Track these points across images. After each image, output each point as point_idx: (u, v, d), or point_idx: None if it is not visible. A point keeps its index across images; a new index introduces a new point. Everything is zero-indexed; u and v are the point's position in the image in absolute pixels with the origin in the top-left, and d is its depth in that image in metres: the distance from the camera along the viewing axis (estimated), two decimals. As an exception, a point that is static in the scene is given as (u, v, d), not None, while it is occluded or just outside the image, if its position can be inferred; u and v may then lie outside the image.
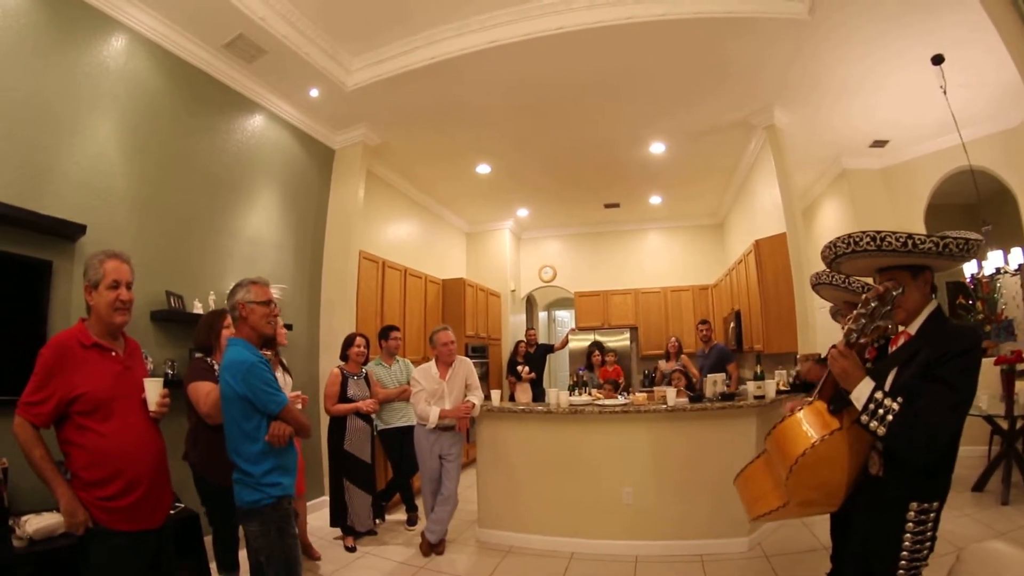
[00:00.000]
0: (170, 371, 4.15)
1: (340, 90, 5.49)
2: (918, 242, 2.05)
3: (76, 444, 2.25)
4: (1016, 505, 4.66)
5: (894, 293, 1.99)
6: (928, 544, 2.09)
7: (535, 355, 9.06)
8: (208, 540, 3.72)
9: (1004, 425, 5.00)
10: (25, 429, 2.19)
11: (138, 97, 4.30)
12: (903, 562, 2.08)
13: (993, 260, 6.06)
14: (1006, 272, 6.23)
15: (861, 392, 2.07)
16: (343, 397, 4.83)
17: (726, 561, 4.24)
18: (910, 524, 2.07)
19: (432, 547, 4.69)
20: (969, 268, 6.36)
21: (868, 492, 2.29)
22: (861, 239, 2.15)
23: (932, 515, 2.08)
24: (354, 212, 6.29)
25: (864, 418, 2.05)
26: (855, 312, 2.05)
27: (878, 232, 2.11)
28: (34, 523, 2.87)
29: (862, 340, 2.12)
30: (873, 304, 1.99)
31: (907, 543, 2.07)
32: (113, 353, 2.41)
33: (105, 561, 2.27)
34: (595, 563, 4.42)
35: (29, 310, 3.37)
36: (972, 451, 5.97)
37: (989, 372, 5.33)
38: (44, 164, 3.61)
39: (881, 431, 2.01)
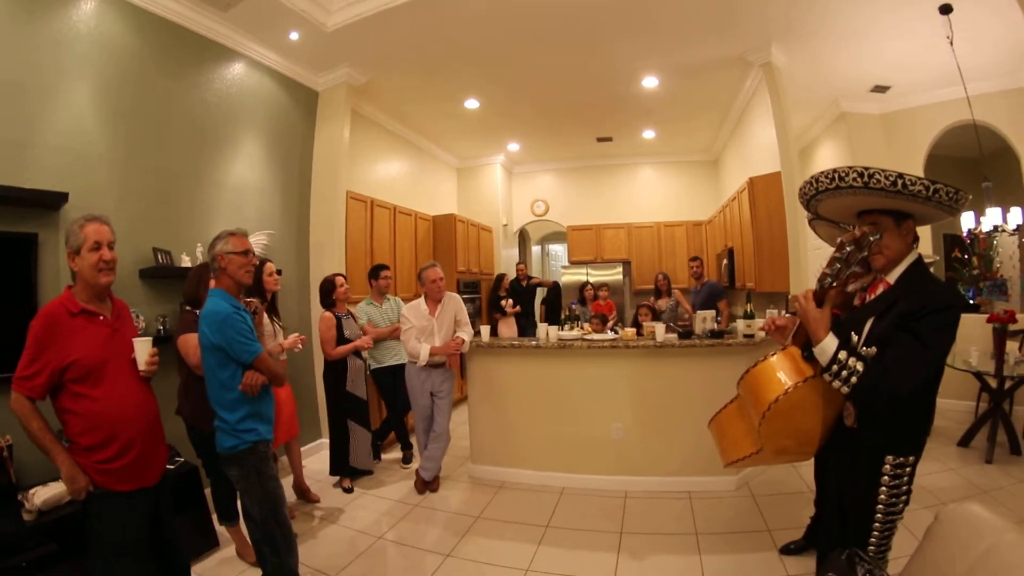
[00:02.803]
0: (161, 327, 4.16)
1: (321, 31, 5.25)
2: (908, 183, 1.96)
3: (72, 411, 2.28)
4: (999, 464, 4.72)
5: (871, 238, 1.92)
6: (904, 498, 2.12)
7: (526, 288, 9.08)
8: (208, 492, 3.83)
9: (993, 383, 5.02)
10: (22, 403, 2.22)
11: (113, 58, 4.14)
12: (879, 515, 2.12)
13: (992, 217, 5.99)
14: (1004, 231, 6.18)
15: (823, 351, 2.05)
16: (341, 339, 4.79)
17: (713, 499, 4.36)
18: (885, 478, 2.10)
19: (426, 484, 4.80)
20: (967, 222, 6.30)
21: (843, 443, 2.30)
22: (847, 174, 2.05)
23: (908, 469, 2.10)
24: (340, 153, 6.15)
25: (827, 377, 2.05)
26: (830, 256, 2.00)
27: (866, 168, 2.02)
28: (41, 494, 2.95)
29: (836, 285, 2.08)
30: (848, 248, 1.93)
31: (882, 496, 2.10)
32: (101, 317, 2.42)
33: (107, 522, 2.35)
34: (585, 498, 4.55)
35: (18, 284, 3.36)
36: (959, 405, 6.11)
37: (981, 329, 5.38)
38: (22, 138, 3.52)
39: (845, 390, 2.01)
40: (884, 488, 2.10)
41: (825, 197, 2.26)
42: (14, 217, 3.36)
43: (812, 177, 2.23)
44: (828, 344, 2.04)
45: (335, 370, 4.85)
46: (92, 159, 3.92)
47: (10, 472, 3.06)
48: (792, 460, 2.64)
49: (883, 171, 1.99)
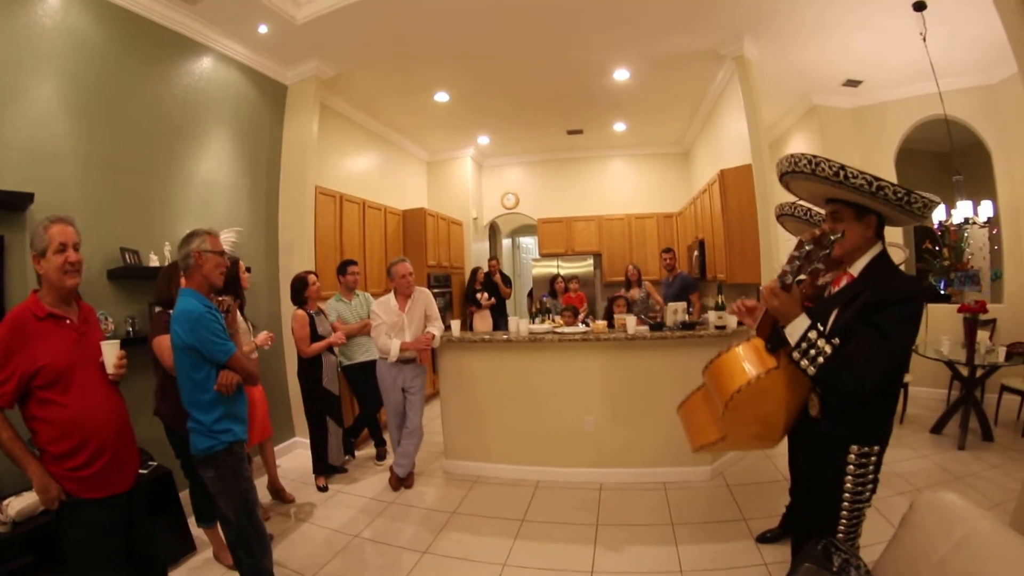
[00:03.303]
0: (131, 329, 4.06)
1: (290, 24, 5.16)
2: (850, 175, 2.01)
3: (41, 419, 2.23)
4: (972, 451, 4.85)
5: (832, 238, 1.94)
6: (870, 487, 2.14)
7: (493, 283, 9.04)
8: (183, 496, 3.78)
9: (965, 372, 5.15)
10: None
11: (79, 53, 4.00)
12: (845, 503, 2.14)
13: (962, 210, 6.12)
14: (974, 223, 6.31)
15: (795, 328, 2.05)
16: (314, 336, 4.77)
17: (688, 489, 4.42)
18: (851, 467, 2.12)
19: (401, 481, 4.78)
20: (937, 215, 6.45)
21: (810, 433, 2.33)
22: (800, 160, 2.14)
23: (873, 458, 2.12)
24: (309, 147, 6.06)
25: (795, 355, 2.05)
26: (790, 254, 2.01)
27: (815, 156, 2.09)
28: (15, 505, 2.88)
29: (798, 281, 2.09)
30: (807, 248, 1.94)
31: (848, 485, 2.13)
32: (67, 321, 2.37)
33: (81, 531, 2.30)
34: (560, 491, 4.57)
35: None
36: (932, 393, 6.33)
37: (953, 319, 5.54)
38: (-15, 138, 3.41)
39: (811, 371, 2.02)
40: (850, 477, 2.12)
41: (790, 179, 2.31)
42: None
43: (781, 158, 2.29)
44: (799, 323, 2.05)
45: (311, 367, 4.83)
46: (58, 157, 3.80)
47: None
48: (758, 447, 2.67)
49: (828, 161, 2.05)
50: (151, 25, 4.59)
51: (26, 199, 3.42)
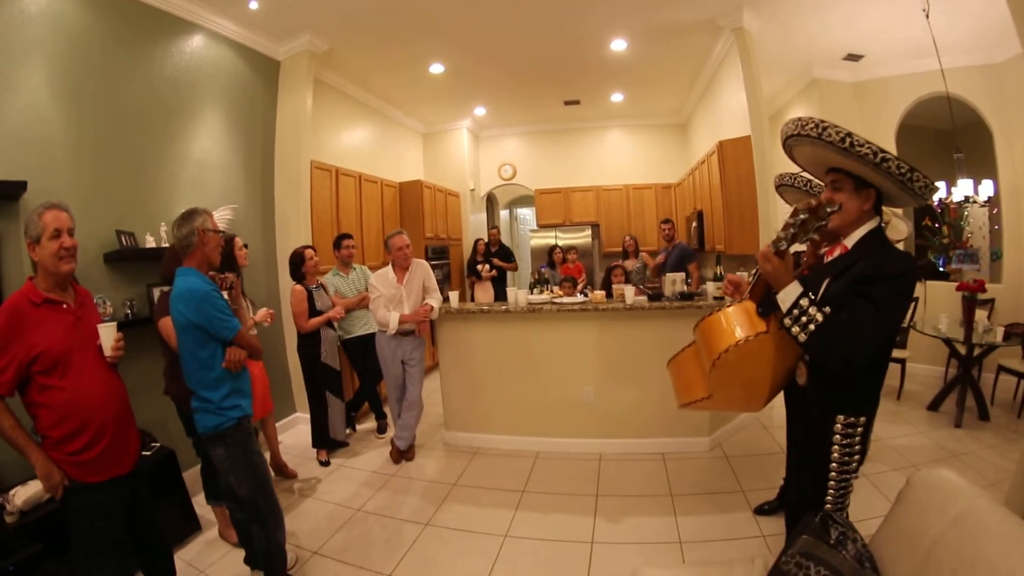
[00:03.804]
0: (129, 311, 4.04)
1: (281, -1, 5.04)
2: (856, 143, 2.00)
3: (41, 404, 2.24)
4: (968, 429, 4.86)
5: (828, 210, 1.94)
6: (857, 457, 2.19)
7: (497, 254, 9.04)
8: (187, 476, 3.82)
9: (962, 350, 5.15)
10: None
11: (66, 38, 3.91)
12: (832, 472, 2.20)
13: (963, 188, 6.07)
14: (975, 202, 6.26)
15: (787, 295, 2.07)
16: (313, 311, 4.77)
17: (687, 460, 4.47)
18: (837, 436, 2.17)
19: (402, 454, 4.83)
20: (938, 192, 6.40)
21: (799, 402, 2.39)
22: (807, 123, 2.13)
23: (859, 429, 2.17)
24: (303, 122, 5.98)
25: (787, 321, 2.08)
26: (785, 221, 2.02)
27: (823, 121, 2.08)
28: (21, 494, 2.89)
29: (792, 249, 2.09)
30: (802, 216, 1.94)
31: (835, 455, 2.18)
32: (64, 305, 2.37)
33: (85, 515, 2.32)
34: (560, 461, 4.62)
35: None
36: (930, 370, 6.36)
37: (951, 297, 5.55)
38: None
39: (802, 338, 2.05)
40: (836, 447, 2.18)
41: (794, 143, 2.30)
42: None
43: (787, 121, 2.28)
44: (792, 290, 2.07)
45: (310, 342, 4.83)
46: (49, 144, 3.74)
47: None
48: (743, 410, 2.70)
49: (835, 126, 2.05)
50: (138, 5, 4.48)
51: (19, 187, 3.39)
